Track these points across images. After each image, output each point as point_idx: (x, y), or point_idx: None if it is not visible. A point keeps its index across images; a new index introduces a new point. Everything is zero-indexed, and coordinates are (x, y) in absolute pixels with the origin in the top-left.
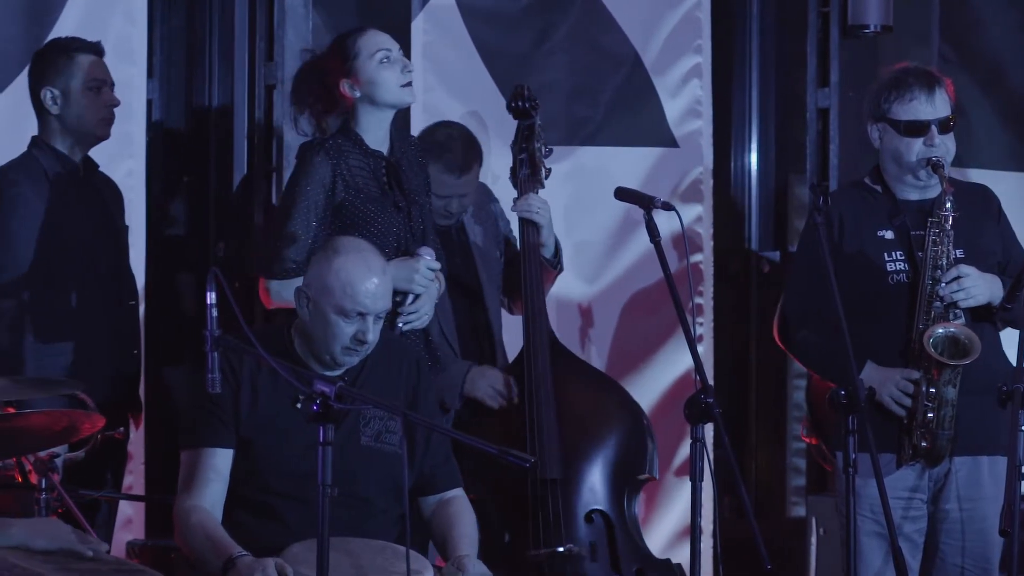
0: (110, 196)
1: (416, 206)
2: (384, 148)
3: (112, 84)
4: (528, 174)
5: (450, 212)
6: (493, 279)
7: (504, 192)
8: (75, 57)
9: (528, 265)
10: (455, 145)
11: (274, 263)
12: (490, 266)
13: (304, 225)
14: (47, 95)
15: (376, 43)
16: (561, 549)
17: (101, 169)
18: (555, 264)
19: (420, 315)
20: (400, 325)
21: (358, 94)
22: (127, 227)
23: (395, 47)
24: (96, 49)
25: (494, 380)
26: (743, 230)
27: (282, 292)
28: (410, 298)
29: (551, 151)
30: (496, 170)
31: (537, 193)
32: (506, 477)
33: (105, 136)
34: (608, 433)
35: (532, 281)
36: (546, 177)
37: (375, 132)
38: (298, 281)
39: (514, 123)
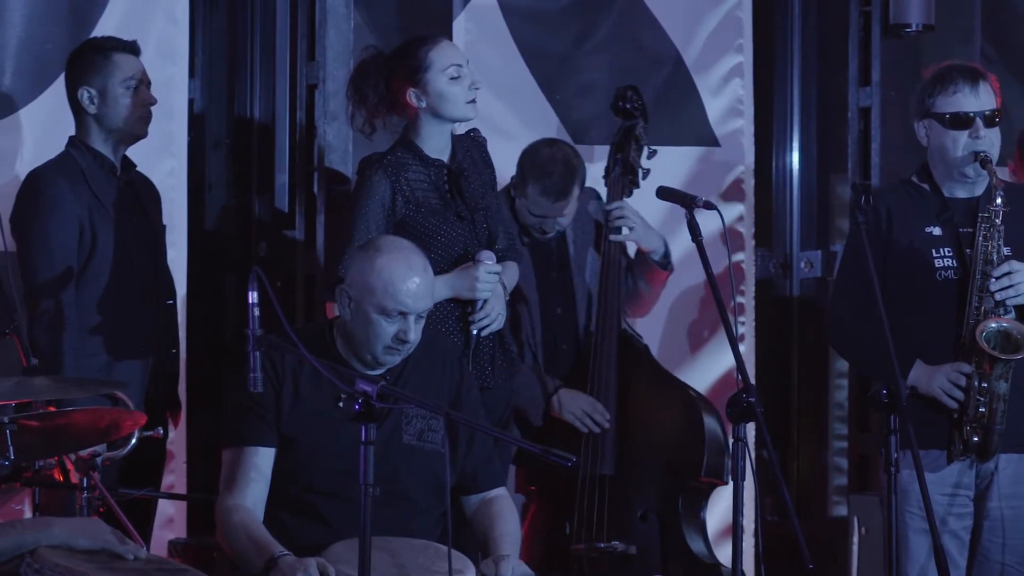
0: (147, 195)
1: (480, 212)
2: (445, 156)
3: (149, 83)
4: (619, 174)
5: (544, 230)
6: (586, 290)
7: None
8: (112, 56)
9: (606, 261)
10: (556, 169)
11: (337, 284)
12: (585, 277)
13: None
14: (84, 95)
15: (449, 58)
16: (602, 545)
17: (140, 168)
18: (664, 265)
19: (492, 317)
20: (475, 332)
21: (423, 104)
22: (164, 226)
23: (465, 61)
24: (133, 48)
25: (584, 403)
26: (784, 229)
27: None
28: (479, 304)
29: (655, 152)
30: None
31: (631, 194)
32: (553, 476)
33: (142, 135)
34: (668, 435)
35: (608, 278)
36: (644, 178)
37: (435, 142)
38: None
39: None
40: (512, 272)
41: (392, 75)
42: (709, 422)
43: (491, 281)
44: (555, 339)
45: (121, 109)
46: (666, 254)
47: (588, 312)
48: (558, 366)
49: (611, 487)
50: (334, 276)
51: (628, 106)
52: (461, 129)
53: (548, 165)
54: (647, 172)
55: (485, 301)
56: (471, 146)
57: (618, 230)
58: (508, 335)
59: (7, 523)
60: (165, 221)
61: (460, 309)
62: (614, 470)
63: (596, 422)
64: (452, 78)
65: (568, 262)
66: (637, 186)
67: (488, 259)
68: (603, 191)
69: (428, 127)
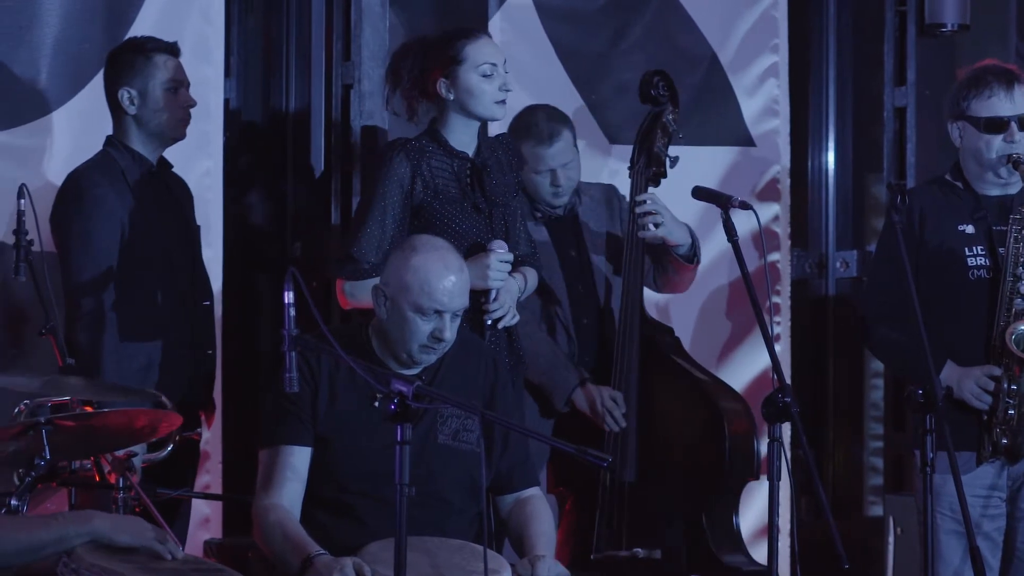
0: (183, 196)
1: (498, 208)
2: (470, 151)
3: (188, 84)
4: (644, 164)
5: (558, 187)
6: (610, 270)
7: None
8: (153, 57)
9: (630, 255)
10: (537, 118)
11: (348, 264)
12: (608, 259)
13: (379, 225)
14: (125, 95)
15: (484, 55)
16: (623, 553)
17: (177, 169)
18: (690, 259)
19: (505, 310)
20: (488, 323)
21: (451, 97)
22: (199, 226)
23: (501, 61)
24: (173, 49)
25: (607, 398)
26: (820, 229)
27: (356, 293)
28: (492, 294)
29: (680, 136)
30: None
31: (658, 184)
32: (585, 477)
33: (181, 137)
34: (690, 436)
35: (632, 275)
36: (672, 166)
37: (460, 136)
38: (372, 282)
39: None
40: (531, 277)
41: (427, 61)
42: (732, 418)
43: (502, 270)
44: (579, 315)
45: (161, 111)
46: (692, 246)
47: (607, 290)
48: (583, 341)
49: (633, 493)
50: (345, 253)
51: (654, 92)
52: (492, 132)
53: (528, 118)
54: (675, 160)
55: (498, 292)
56: (499, 147)
57: (645, 225)
58: (517, 336)
59: (50, 516)
60: (201, 221)
61: (471, 301)
62: (636, 476)
63: (614, 418)
64: (484, 75)
65: (584, 241)
66: (665, 176)
67: (500, 248)
68: (626, 183)
69: (455, 120)
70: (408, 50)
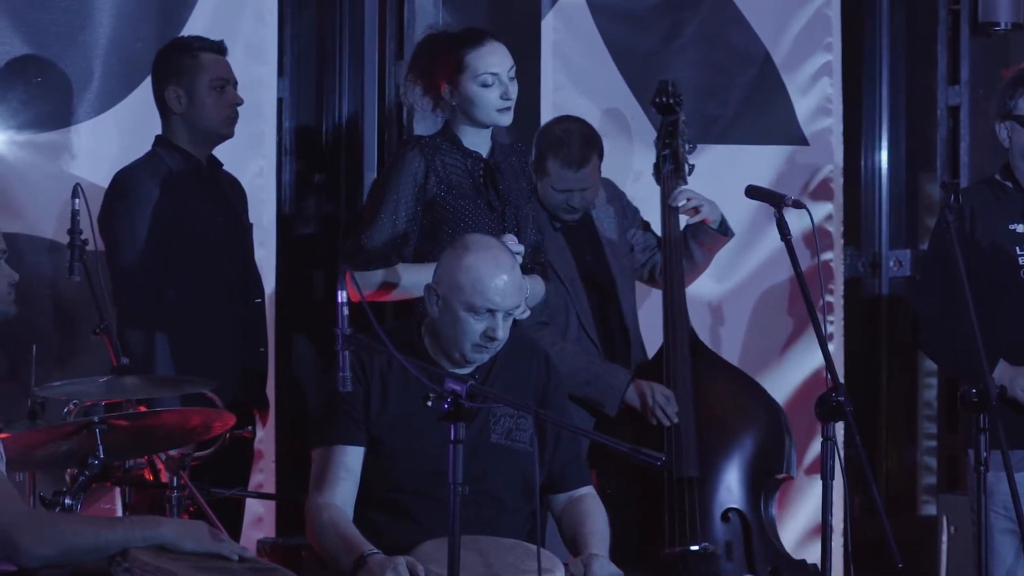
0: (234, 194)
1: (511, 207)
2: (484, 151)
3: (235, 83)
4: (671, 170)
5: (572, 207)
6: (625, 272)
7: (646, 189)
8: (199, 56)
9: (670, 256)
10: (572, 139)
11: (358, 254)
12: (621, 259)
13: (391, 218)
14: (172, 95)
15: (486, 65)
16: (696, 548)
17: (229, 168)
18: (725, 231)
19: None
20: None
21: (455, 103)
22: (251, 224)
23: (504, 69)
24: (219, 48)
25: (658, 393)
26: (873, 228)
27: (362, 283)
28: None
29: (694, 147)
30: (637, 167)
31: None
32: (642, 473)
33: (229, 135)
34: (746, 432)
35: (673, 275)
36: (689, 173)
37: (472, 138)
38: (377, 274)
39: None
40: (536, 287)
41: (436, 63)
42: (783, 416)
43: None
44: (599, 322)
45: (208, 110)
46: (723, 221)
47: (630, 295)
48: (606, 347)
49: (696, 487)
50: (358, 244)
51: (670, 100)
52: (504, 140)
53: (564, 136)
54: (692, 168)
55: None
56: (513, 155)
57: (692, 211)
58: (572, 332)
59: (116, 518)
60: (254, 220)
61: None
62: (698, 470)
63: (667, 414)
64: (484, 85)
65: (601, 245)
66: (685, 182)
67: (510, 241)
68: (640, 189)
69: (463, 124)
70: (425, 47)
